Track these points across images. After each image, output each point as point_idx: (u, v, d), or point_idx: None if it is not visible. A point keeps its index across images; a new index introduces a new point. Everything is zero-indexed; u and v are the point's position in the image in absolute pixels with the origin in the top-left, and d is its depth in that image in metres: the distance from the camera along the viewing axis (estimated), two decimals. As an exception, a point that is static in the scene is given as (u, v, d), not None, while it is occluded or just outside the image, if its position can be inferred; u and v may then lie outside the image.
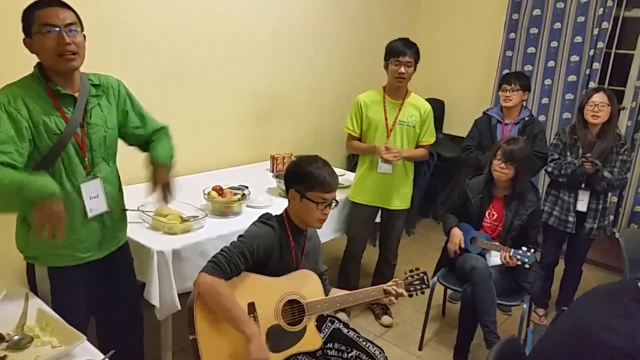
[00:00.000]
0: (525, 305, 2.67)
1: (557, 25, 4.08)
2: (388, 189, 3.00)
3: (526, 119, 3.21)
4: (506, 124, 3.23)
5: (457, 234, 2.77)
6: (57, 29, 1.59)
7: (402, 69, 2.81)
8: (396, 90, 2.91)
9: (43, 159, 1.67)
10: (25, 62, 1.71)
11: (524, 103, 3.30)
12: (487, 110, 3.39)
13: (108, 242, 1.92)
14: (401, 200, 3.06)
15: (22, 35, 1.65)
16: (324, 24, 3.97)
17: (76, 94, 1.72)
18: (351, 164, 4.23)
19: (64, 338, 1.52)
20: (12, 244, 1.94)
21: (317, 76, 3.75)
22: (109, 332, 2.08)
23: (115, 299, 2.03)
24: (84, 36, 1.69)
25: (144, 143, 2.01)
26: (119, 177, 1.97)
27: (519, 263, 2.57)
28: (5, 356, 1.41)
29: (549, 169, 3.05)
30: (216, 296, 1.75)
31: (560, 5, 4.04)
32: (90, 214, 1.78)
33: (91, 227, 1.83)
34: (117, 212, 1.93)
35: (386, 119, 2.91)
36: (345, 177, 3.25)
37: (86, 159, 1.76)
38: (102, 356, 1.48)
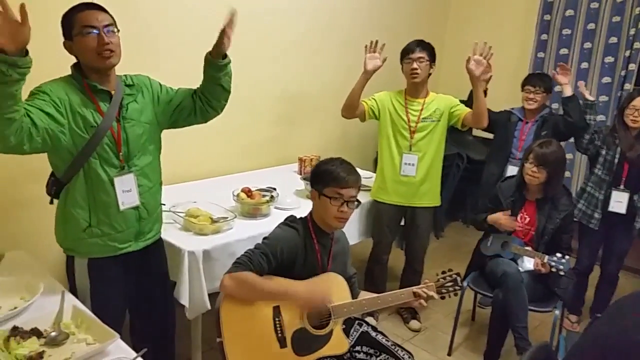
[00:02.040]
0: (557, 312, 2.62)
1: (591, 25, 4.00)
2: (412, 188, 2.95)
3: (545, 115, 3.22)
4: (527, 122, 3.25)
5: (499, 215, 2.72)
6: (97, 30, 1.68)
7: (415, 65, 2.79)
8: (414, 88, 2.88)
9: (80, 153, 1.73)
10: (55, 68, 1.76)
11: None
12: (512, 108, 3.37)
13: (145, 234, 1.96)
14: (428, 197, 2.99)
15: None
16: (351, 26, 3.97)
17: (112, 91, 1.79)
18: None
19: (98, 335, 1.54)
20: (48, 243, 2.00)
21: (344, 78, 3.74)
22: (142, 328, 2.12)
23: (150, 294, 2.08)
24: (118, 37, 1.76)
25: (198, 107, 1.99)
26: (159, 171, 2.00)
27: (553, 270, 2.52)
28: (43, 351, 1.44)
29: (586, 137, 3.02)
30: (244, 284, 1.76)
31: (595, 5, 3.95)
32: (122, 207, 1.83)
33: (128, 218, 1.87)
34: (153, 206, 1.97)
35: (409, 120, 2.89)
36: (372, 179, 3.24)
37: (121, 153, 1.81)
38: (134, 354, 1.50)
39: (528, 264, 2.69)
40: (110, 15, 1.75)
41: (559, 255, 2.52)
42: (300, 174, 3.42)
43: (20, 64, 1.41)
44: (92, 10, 1.71)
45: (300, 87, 3.76)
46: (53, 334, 1.52)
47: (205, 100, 1.99)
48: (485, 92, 3.11)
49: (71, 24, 1.70)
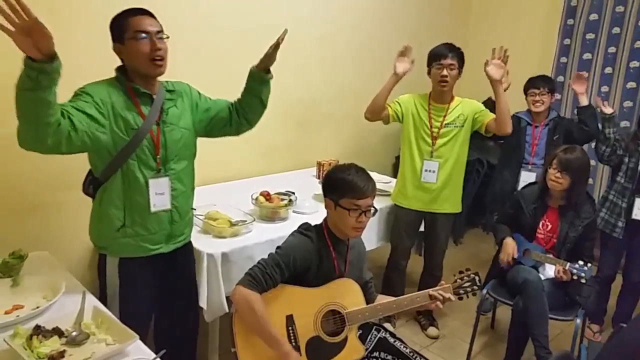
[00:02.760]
0: (578, 321, 2.57)
1: (616, 30, 3.93)
2: (432, 194, 2.91)
3: (556, 119, 3.21)
4: (536, 126, 3.22)
5: (511, 244, 2.68)
6: (149, 36, 1.72)
7: (445, 72, 2.74)
8: (440, 94, 2.84)
9: (119, 154, 1.77)
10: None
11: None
12: (517, 112, 3.32)
13: (176, 237, 1.99)
14: (448, 203, 2.95)
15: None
16: (371, 31, 3.97)
17: (154, 95, 1.83)
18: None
19: (118, 336, 1.56)
20: (71, 244, 2.03)
21: (363, 82, 3.76)
22: (167, 329, 2.15)
23: (177, 296, 2.11)
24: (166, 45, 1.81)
25: (234, 119, 2.05)
26: (193, 176, 2.04)
27: (575, 278, 2.47)
28: (64, 351, 1.46)
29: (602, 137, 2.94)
30: (250, 313, 1.72)
31: (620, 9, 3.88)
32: (153, 209, 1.86)
33: (161, 220, 1.90)
34: (185, 209, 2.00)
35: (431, 125, 2.86)
36: (391, 184, 3.23)
37: (158, 156, 1.84)
38: (153, 355, 1.52)
39: (549, 271, 2.65)
40: (159, 23, 1.79)
41: (580, 262, 2.48)
42: (319, 178, 3.44)
43: (48, 70, 1.41)
44: (145, 16, 1.75)
45: (319, 91, 3.77)
46: (74, 333, 1.54)
47: (242, 112, 2.04)
48: None
49: (123, 27, 1.72)
